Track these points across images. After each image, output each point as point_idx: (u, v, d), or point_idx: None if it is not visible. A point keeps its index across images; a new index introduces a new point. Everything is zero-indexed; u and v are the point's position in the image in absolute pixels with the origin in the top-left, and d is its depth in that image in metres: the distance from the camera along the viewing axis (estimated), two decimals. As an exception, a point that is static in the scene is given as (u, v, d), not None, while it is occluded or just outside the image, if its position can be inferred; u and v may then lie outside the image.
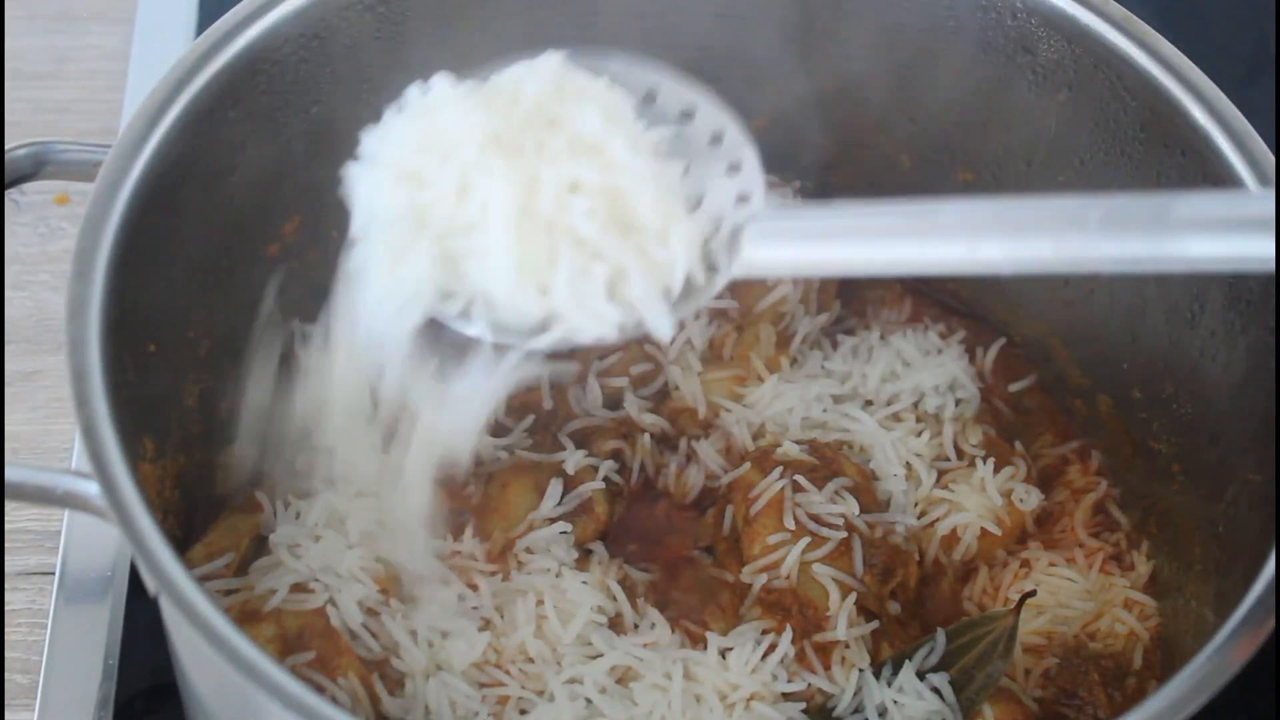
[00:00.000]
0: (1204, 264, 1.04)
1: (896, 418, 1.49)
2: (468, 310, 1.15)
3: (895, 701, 1.32)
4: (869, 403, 1.50)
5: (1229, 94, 1.34)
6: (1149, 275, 1.43)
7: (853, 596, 1.36)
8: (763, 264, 1.17)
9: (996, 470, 1.47)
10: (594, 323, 1.13)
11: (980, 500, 1.45)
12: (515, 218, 1.11)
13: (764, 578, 1.37)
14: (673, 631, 1.37)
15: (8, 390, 1.65)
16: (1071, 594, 1.43)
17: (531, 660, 1.33)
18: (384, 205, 1.15)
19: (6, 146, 1.31)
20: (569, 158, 1.13)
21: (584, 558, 1.41)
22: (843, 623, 1.35)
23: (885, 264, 1.15)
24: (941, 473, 1.47)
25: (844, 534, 1.39)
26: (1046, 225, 1.07)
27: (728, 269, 1.16)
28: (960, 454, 1.48)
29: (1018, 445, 1.52)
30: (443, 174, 1.13)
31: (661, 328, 1.14)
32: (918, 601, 1.44)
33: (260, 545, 1.37)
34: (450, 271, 1.14)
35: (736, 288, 1.51)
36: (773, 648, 1.34)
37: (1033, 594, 1.39)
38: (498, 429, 1.47)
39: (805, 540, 1.37)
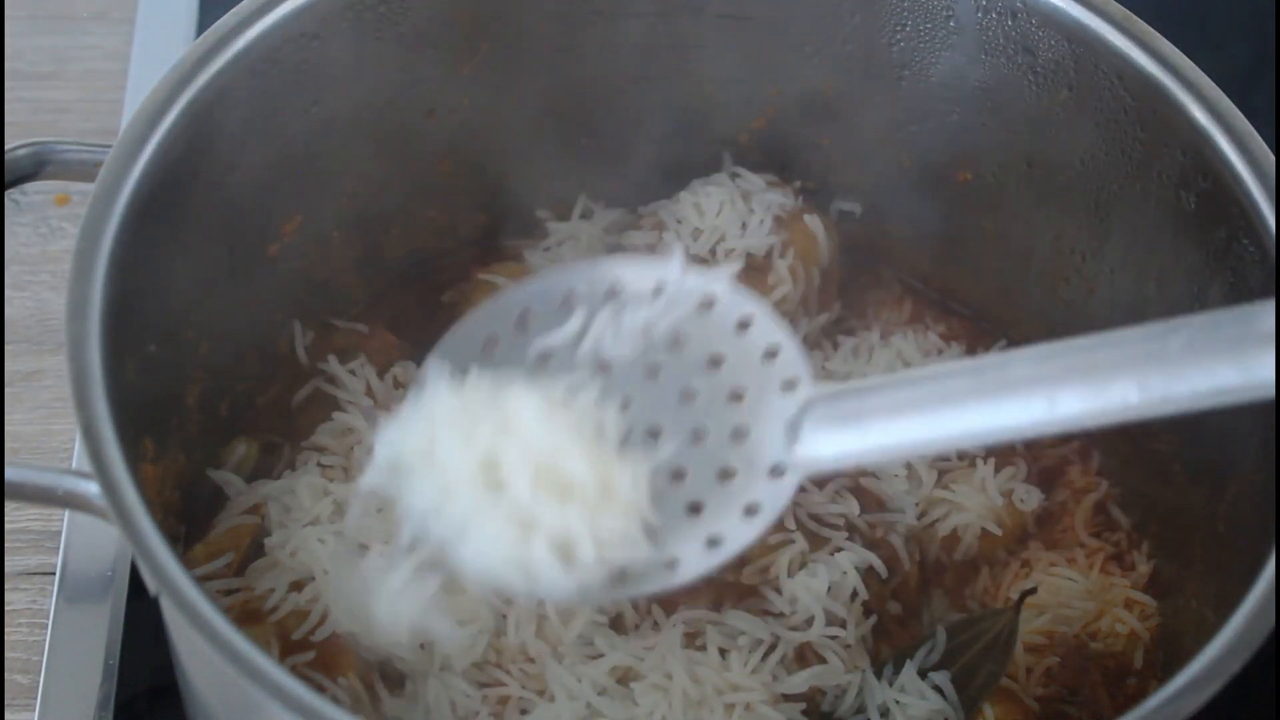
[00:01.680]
0: None
1: (897, 418, 1.48)
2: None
3: (897, 701, 1.32)
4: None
5: (1229, 94, 1.33)
6: (1150, 277, 1.43)
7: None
8: (826, 459, 1.08)
9: (997, 470, 1.47)
10: (555, 589, 1.08)
11: (981, 500, 1.45)
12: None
13: (764, 578, 1.38)
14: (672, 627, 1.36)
15: (8, 390, 1.65)
16: (1072, 594, 1.43)
17: (532, 660, 1.33)
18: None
19: (6, 146, 1.31)
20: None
21: (584, 558, 1.41)
22: (851, 623, 1.35)
23: (961, 436, 1.04)
24: (942, 473, 1.47)
25: (844, 534, 1.39)
26: (1126, 363, 0.97)
27: (788, 476, 1.09)
28: (961, 454, 1.48)
29: (1018, 445, 1.52)
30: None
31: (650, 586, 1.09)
32: (918, 601, 1.44)
33: (260, 546, 1.36)
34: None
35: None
36: (773, 648, 1.34)
37: (1033, 591, 1.39)
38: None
39: (805, 540, 1.37)
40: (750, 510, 1.11)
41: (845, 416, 1.08)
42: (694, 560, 1.11)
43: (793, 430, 1.10)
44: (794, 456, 1.10)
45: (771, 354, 1.14)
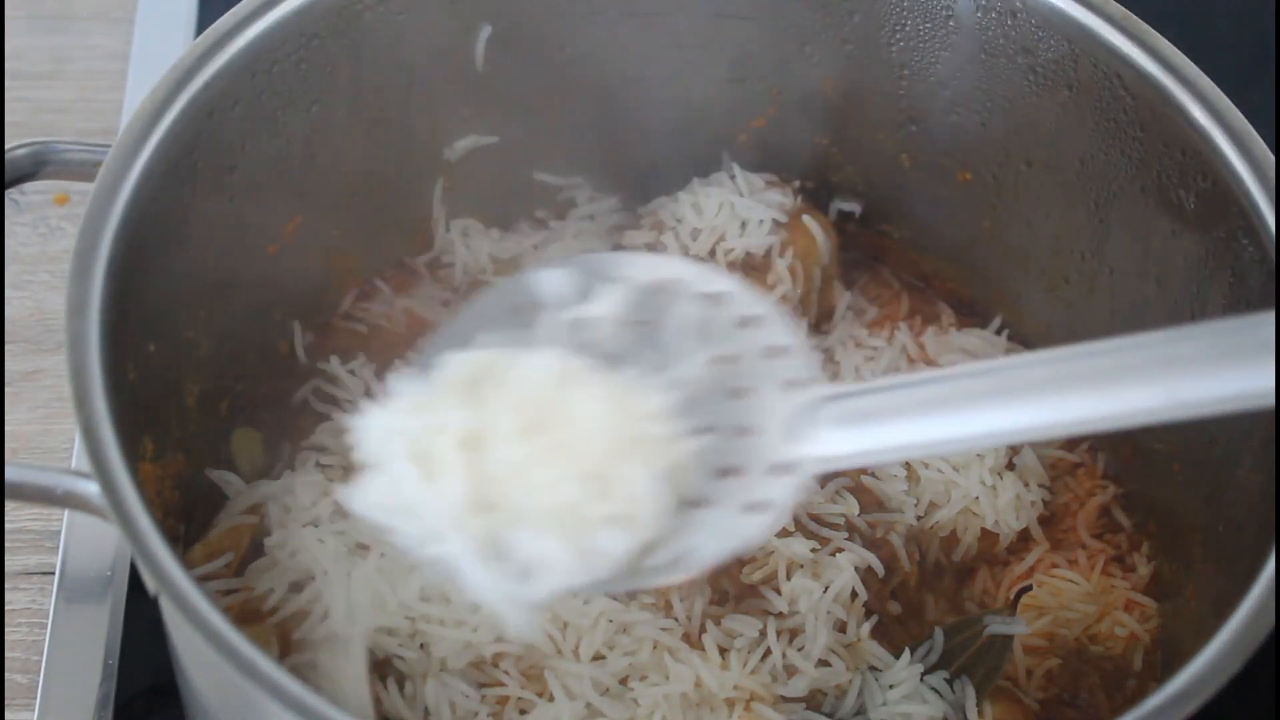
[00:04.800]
0: None
1: (897, 418, 1.48)
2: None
3: (897, 702, 1.32)
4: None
5: (1229, 94, 1.33)
6: (1150, 277, 1.43)
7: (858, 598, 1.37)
8: (835, 456, 1.08)
9: (1001, 471, 1.46)
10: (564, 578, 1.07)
11: (982, 500, 1.44)
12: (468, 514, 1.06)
13: (764, 578, 1.38)
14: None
15: (8, 390, 1.65)
16: (1073, 596, 1.43)
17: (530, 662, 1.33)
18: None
19: (6, 146, 1.31)
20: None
21: (584, 558, 1.41)
22: (852, 624, 1.35)
23: (973, 437, 1.04)
24: (942, 472, 1.47)
25: (844, 534, 1.39)
26: (1138, 368, 0.97)
27: (795, 474, 1.08)
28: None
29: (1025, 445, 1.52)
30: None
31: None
32: (918, 601, 1.44)
33: (260, 546, 1.36)
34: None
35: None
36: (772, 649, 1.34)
37: (1029, 588, 1.38)
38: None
39: (805, 540, 1.37)
40: (754, 508, 1.10)
41: (857, 415, 1.08)
42: (699, 552, 1.10)
43: (801, 427, 1.10)
44: (803, 453, 1.09)
45: (778, 351, 1.13)
